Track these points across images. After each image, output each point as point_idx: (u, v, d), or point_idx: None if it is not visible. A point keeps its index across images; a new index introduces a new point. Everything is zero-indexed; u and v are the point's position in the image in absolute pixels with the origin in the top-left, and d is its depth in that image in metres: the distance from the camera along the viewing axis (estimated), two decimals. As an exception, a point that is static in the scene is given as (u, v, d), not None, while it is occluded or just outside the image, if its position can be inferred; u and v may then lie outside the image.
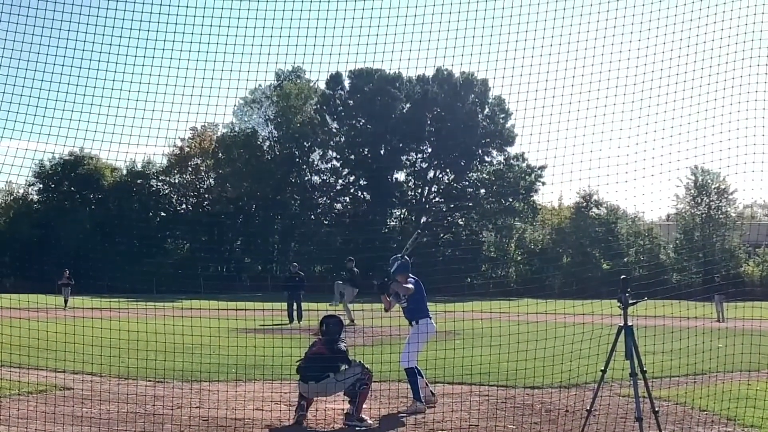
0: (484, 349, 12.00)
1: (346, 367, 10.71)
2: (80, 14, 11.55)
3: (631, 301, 9.38)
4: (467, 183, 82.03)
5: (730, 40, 10.96)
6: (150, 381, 13.58)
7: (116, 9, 11.77)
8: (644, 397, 9.33)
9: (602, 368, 9.49)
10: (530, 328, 12.58)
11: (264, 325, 25.30)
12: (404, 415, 11.17)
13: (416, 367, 11.55)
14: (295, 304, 29.55)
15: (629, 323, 9.29)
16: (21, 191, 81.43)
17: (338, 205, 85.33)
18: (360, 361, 10.85)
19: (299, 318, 29.20)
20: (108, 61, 11.93)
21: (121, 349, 13.68)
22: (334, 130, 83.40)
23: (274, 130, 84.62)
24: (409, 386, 11.59)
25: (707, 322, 15.61)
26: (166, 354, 13.36)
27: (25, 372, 13.93)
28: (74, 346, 12.96)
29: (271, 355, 13.60)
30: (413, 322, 11.86)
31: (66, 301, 40.60)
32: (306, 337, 20.00)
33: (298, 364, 10.92)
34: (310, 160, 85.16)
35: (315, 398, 10.87)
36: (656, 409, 9.44)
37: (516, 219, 76.63)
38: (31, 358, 13.63)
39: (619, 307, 9.35)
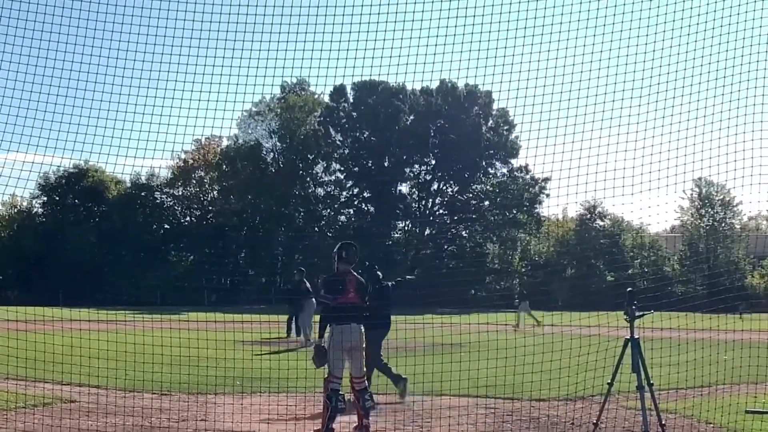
0: (490, 362, 11.95)
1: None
2: (86, 28, 11.62)
3: (637, 314, 9.36)
4: (471, 195, 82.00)
5: (735, 52, 10.98)
6: (155, 393, 13.56)
7: (122, 23, 11.82)
8: (651, 410, 9.30)
9: (609, 381, 9.47)
10: (536, 341, 12.56)
11: (271, 339, 25.28)
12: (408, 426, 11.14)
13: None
14: (296, 317, 28.48)
15: (636, 336, 9.27)
16: (25, 204, 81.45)
17: (342, 218, 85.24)
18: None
19: (297, 332, 28.10)
20: (113, 75, 11.98)
21: (126, 361, 13.69)
22: (338, 142, 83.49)
23: (277, 143, 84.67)
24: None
25: (713, 334, 15.54)
26: (171, 366, 13.36)
27: (30, 384, 13.91)
28: (79, 359, 12.96)
29: (276, 368, 13.60)
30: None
31: None
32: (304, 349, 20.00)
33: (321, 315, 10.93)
34: (314, 172, 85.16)
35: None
36: (663, 422, 9.42)
37: (520, 231, 76.48)
38: (36, 371, 13.62)
39: (625, 319, 9.33)
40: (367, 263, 15.03)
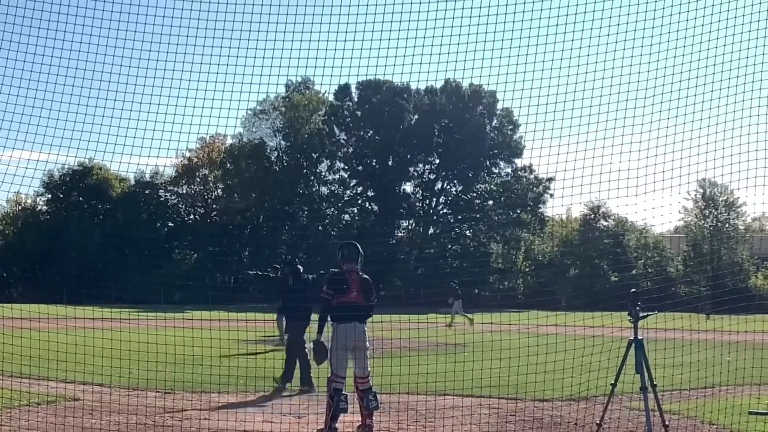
0: (493, 362, 11.96)
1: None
2: (91, 26, 11.63)
3: (641, 315, 9.36)
4: (475, 194, 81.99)
5: (740, 54, 10.96)
6: (158, 392, 13.57)
7: (127, 21, 11.83)
8: (654, 410, 9.30)
9: (612, 381, 9.47)
10: (539, 341, 12.55)
11: (275, 336, 25.27)
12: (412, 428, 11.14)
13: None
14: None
15: (639, 336, 9.27)
16: (29, 202, 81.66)
17: (346, 216, 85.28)
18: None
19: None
20: (118, 73, 11.98)
21: (129, 360, 13.71)
22: (342, 141, 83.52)
23: (282, 141, 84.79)
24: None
25: (717, 335, 15.53)
26: (175, 365, 13.37)
27: (34, 382, 13.93)
28: (83, 357, 12.98)
29: (280, 367, 13.61)
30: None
31: None
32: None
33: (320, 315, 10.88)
34: (318, 171, 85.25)
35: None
36: (666, 423, 9.41)
37: (524, 231, 76.50)
38: (40, 368, 13.65)
39: (629, 320, 9.33)
40: (288, 257, 15.53)
